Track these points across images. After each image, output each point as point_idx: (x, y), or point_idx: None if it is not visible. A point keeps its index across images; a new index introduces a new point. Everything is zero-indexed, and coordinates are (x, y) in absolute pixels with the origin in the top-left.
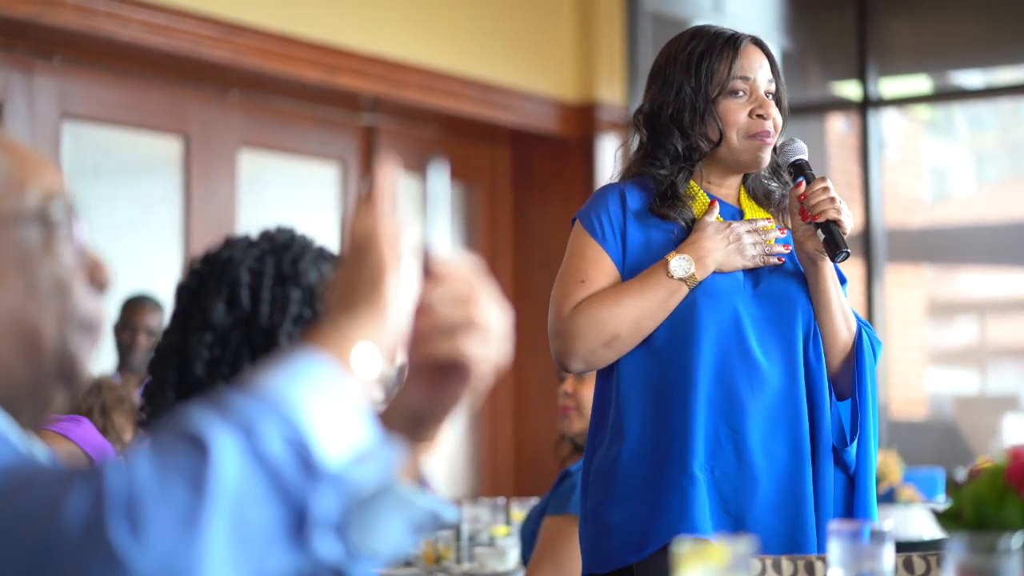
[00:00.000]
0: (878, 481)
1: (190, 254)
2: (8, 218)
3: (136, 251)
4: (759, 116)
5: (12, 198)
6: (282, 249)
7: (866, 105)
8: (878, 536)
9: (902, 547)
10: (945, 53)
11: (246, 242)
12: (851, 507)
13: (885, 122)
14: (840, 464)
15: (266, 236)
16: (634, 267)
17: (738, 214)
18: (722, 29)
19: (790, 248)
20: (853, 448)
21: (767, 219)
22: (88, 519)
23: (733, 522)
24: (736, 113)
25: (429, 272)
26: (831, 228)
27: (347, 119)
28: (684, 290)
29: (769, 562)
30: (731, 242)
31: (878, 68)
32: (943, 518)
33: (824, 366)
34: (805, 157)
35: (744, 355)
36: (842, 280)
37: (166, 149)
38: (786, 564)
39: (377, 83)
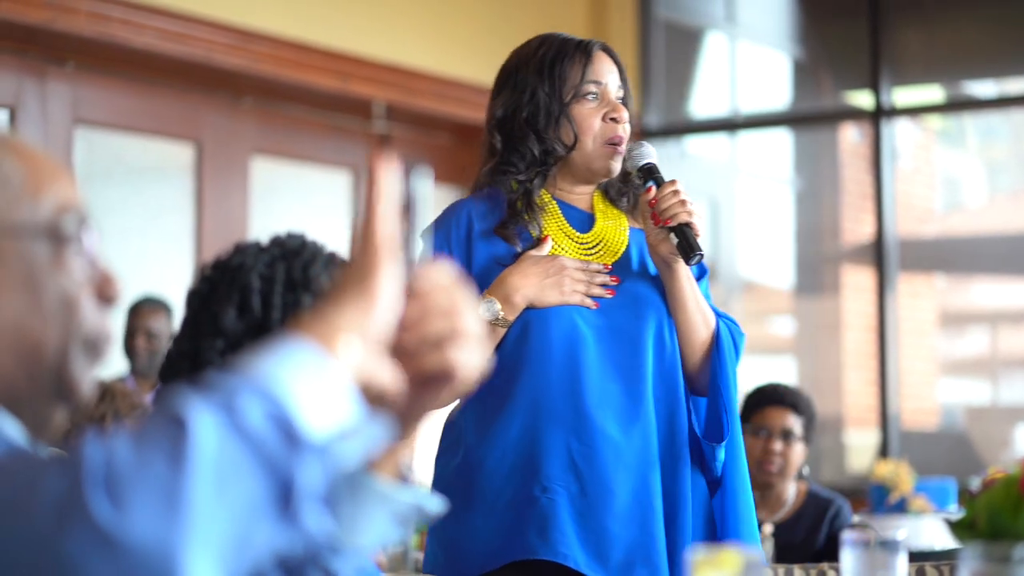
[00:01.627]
0: (889, 491)
1: (201, 261)
2: (17, 230)
3: (147, 257)
4: (612, 120)
5: (24, 209)
6: (293, 255)
7: (879, 114)
8: (891, 546)
9: (914, 557)
10: (958, 63)
11: (257, 248)
12: (723, 512)
13: (898, 132)
14: (705, 468)
15: (277, 242)
16: (482, 286)
17: (590, 219)
18: (571, 36)
19: (612, 293)
20: (722, 452)
21: (603, 266)
22: (65, 495)
23: (594, 537)
24: (590, 118)
25: (412, 286)
26: (684, 231)
27: (360, 127)
28: (499, 331)
29: (781, 570)
30: (550, 276)
31: (891, 77)
32: (957, 528)
33: (680, 374)
34: (654, 160)
35: (590, 370)
36: (703, 272)
37: (178, 156)
38: (799, 573)
39: (390, 91)
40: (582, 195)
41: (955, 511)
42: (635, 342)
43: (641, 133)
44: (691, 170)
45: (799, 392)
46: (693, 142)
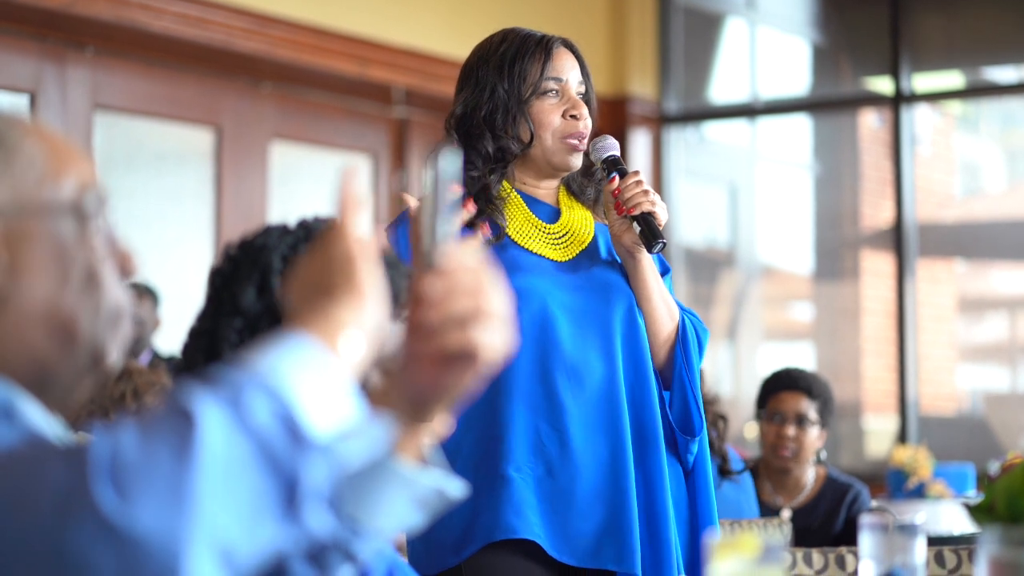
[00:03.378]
0: (908, 476)
1: (221, 245)
2: (44, 209)
3: (167, 242)
4: (572, 117)
5: (48, 189)
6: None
7: (898, 100)
8: (909, 529)
9: (933, 542)
10: (978, 49)
11: (282, 230)
12: (698, 508)
13: (917, 117)
14: (679, 457)
15: (302, 224)
16: None
17: (556, 213)
18: (532, 32)
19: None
20: (695, 445)
21: None
22: (71, 486)
23: (560, 520)
24: (549, 114)
25: (437, 265)
26: (647, 219)
27: (379, 111)
28: None
29: (800, 554)
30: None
31: (911, 63)
32: (976, 512)
33: (649, 357)
34: (617, 153)
35: (560, 352)
36: (666, 270)
37: (198, 141)
38: (817, 557)
39: (409, 75)
40: (547, 190)
41: (973, 496)
42: (605, 325)
43: (660, 118)
44: (710, 155)
45: (814, 376)
46: (712, 127)
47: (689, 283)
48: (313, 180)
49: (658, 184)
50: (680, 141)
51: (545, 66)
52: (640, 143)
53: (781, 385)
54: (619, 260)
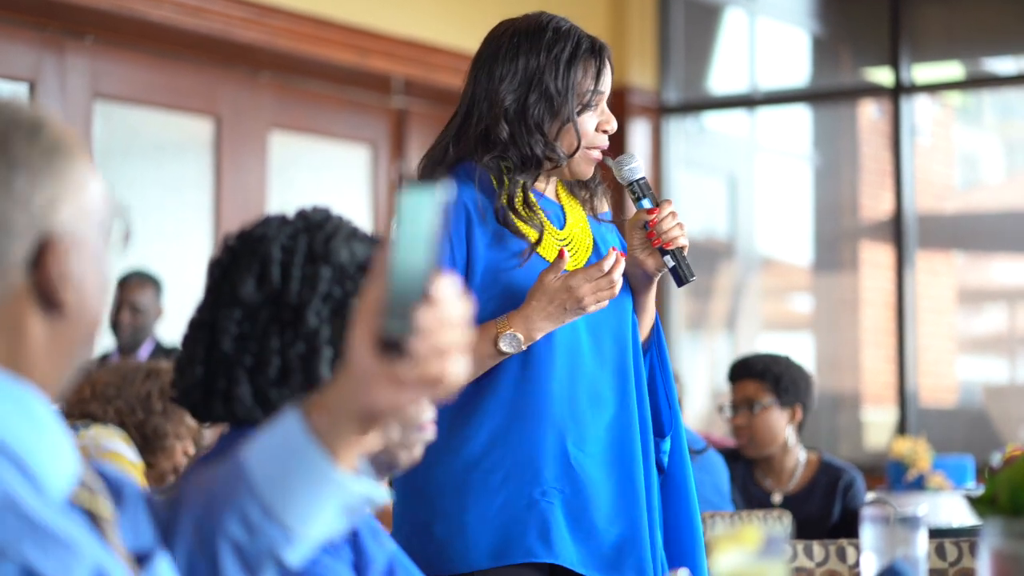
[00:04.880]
0: (907, 468)
1: (220, 235)
2: (99, 223)
3: (166, 232)
4: (604, 131)
5: (97, 202)
6: (316, 228)
7: (898, 91)
8: (911, 522)
9: (933, 534)
10: (978, 40)
11: (280, 220)
12: (674, 506)
13: (917, 108)
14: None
15: (301, 215)
16: (485, 284)
17: (561, 213)
18: (581, 32)
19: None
20: (667, 444)
21: (611, 252)
22: None
23: (584, 536)
24: (587, 125)
25: (431, 294)
26: (680, 255)
27: (378, 102)
28: (511, 357)
29: (800, 547)
30: (568, 309)
31: (910, 54)
32: (977, 504)
33: (643, 365)
34: (645, 176)
35: (584, 375)
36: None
37: (197, 130)
38: (817, 549)
39: (408, 66)
40: (551, 185)
41: (973, 488)
42: (620, 340)
43: (660, 109)
44: (710, 146)
45: (763, 357)
46: (712, 118)
47: None
48: (312, 170)
49: (657, 174)
50: (679, 131)
51: (599, 78)
52: (639, 133)
53: (732, 375)
54: (613, 245)
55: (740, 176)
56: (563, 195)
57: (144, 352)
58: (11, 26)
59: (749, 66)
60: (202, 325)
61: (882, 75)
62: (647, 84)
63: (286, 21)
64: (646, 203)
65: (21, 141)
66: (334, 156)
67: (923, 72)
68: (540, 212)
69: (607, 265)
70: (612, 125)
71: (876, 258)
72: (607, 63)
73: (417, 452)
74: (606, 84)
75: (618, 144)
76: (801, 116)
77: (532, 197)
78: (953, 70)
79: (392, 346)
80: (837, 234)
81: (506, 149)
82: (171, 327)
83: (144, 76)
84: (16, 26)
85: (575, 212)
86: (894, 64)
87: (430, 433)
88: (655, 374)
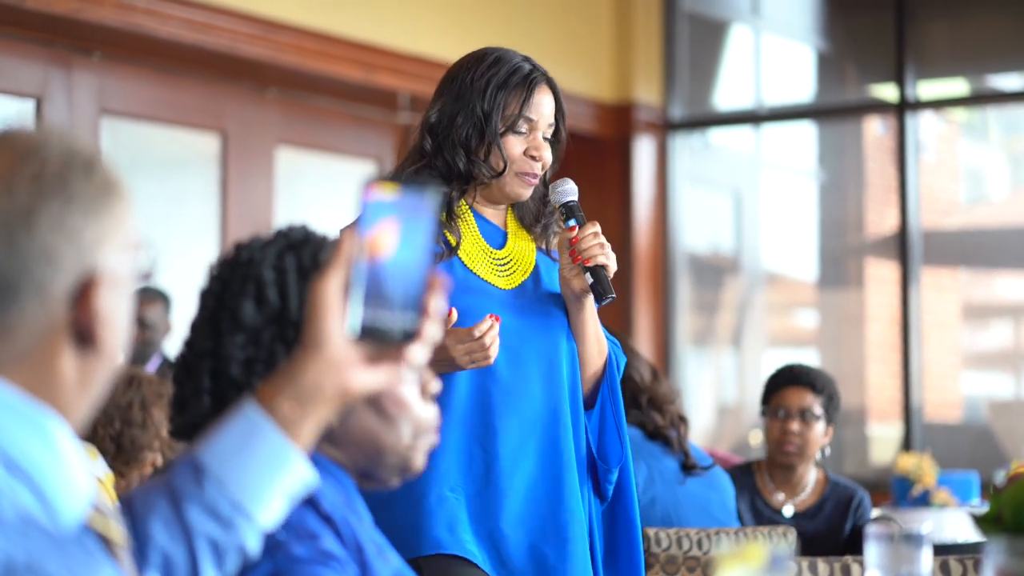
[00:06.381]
0: (912, 484)
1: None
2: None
3: (172, 247)
4: (532, 157)
5: (133, 238)
6: (300, 245)
7: (903, 107)
8: (916, 539)
9: (938, 551)
10: (982, 56)
11: (261, 242)
12: (617, 536)
13: (922, 124)
14: (596, 486)
15: (281, 234)
16: None
17: (503, 237)
18: (520, 63)
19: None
20: (615, 475)
21: (487, 318)
22: None
23: (487, 536)
24: (513, 148)
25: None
26: (599, 273)
27: (384, 117)
28: None
29: (805, 563)
30: (444, 362)
31: (915, 70)
32: (982, 522)
33: (580, 388)
34: (575, 199)
35: (498, 377)
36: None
37: (203, 146)
38: (822, 566)
39: (414, 82)
40: (497, 212)
41: (978, 504)
42: (545, 354)
43: (665, 125)
44: (715, 162)
45: (818, 371)
46: (717, 134)
47: (693, 290)
48: (318, 186)
49: (662, 190)
50: (685, 148)
51: (524, 104)
52: (645, 149)
53: (785, 380)
54: (557, 292)
55: (745, 192)
56: (512, 225)
57: (151, 367)
58: (18, 42)
59: (754, 82)
60: (203, 354)
61: (887, 91)
62: (652, 100)
63: (292, 37)
64: (571, 223)
65: (79, 178)
66: (340, 172)
67: (928, 88)
68: (471, 222)
69: (478, 332)
70: (541, 153)
71: (881, 274)
72: (540, 93)
73: (423, 457)
74: (537, 112)
75: (624, 160)
76: (806, 132)
77: (464, 207)
78: (958, 86)
79: (372, 334)
80: (842, 250)
81: (431, 161)
82: (177, 342)
83: (151, 92)
84: (23, 42)
85: (521, 240)
86: (899, 80)
87: (435, 436)
88: (605, 405)
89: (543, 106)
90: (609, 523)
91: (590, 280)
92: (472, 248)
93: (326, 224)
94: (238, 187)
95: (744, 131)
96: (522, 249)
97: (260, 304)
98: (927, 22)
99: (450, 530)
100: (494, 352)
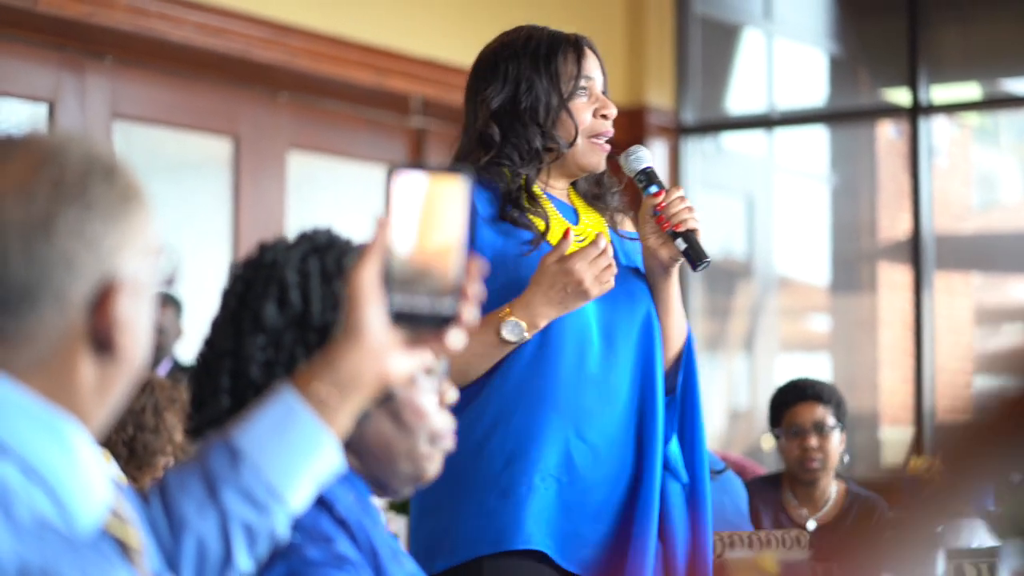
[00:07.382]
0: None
1: (239, 255)
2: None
3: (184, 251)
4: (603, 116)
5: (154, 242)
6: (324, 248)
7: (916, 112)
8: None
9: (951, 555)
10: (996, 60)
11: (286, 244)
12: (694, 511)
13: (935, 129)
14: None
15: (305, 237)
16: (492, 275)
17: (575, 214)
18: (553, 31)
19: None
20: (675, 447)
21: (599, 234)
22: None
23: (573, 529)
24: (582, 112)
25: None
26: (691, 237)
27: (396, 121)
28: (515, 347)
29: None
30: (569, 293)
31: (928, 75)
32: (998, 524)
33: (662, 366)
34: (652, 164)
35: (593, 365)
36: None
37: (216, 150)
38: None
39: (427, 86)
40: (561, 190)
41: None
42: (634, 337)
43: (677, 129)
44: (727, 166)
45: (821, 382)
46: (729, 138)
47: (706, 294)
48: (330, 190)
49: None
50: (697, 151)
51: (579, 64)
52: (657, 153)
53: (793, 398)
54: (637, 267)
55: (758, 196)
56: (577, 202)
57: (162, 371)
58: (31, 46)
59: (767, 86)
60: (224, 354)
61: (900, 95)
62: (665, 104)
63: (305, 41)
64: (653, 189)
65: (99, 184)
66: (352, 176)
67: (941, 92)
68: (548, 203)
69: (601, 244)
70: (610, 110)
71: (894, 278)
72: (587, 51)
73: (438, 464)
74: (592, 70)
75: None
76: (819, 136)
77: (537, 190)
78: (971, 90)
79: (409, 320)
80: (855, 254)
81: (502, 148)
82: (189, 346)
83: (163, 96)
84: (36, 47)
85: (592, 216)
86: (912, 84)
87: (450, 443)
88: (689, 379)
89: (595, 66)
90: (692, 503)
91: (682, 246)
92: (559, 230)
93: (340, 228)
94: (250, 191)
95: (756, 135)
96: (595, 224)
97: (282, 306)
98: (940, 26)
99: (538, 523)
100: (615, 268)
